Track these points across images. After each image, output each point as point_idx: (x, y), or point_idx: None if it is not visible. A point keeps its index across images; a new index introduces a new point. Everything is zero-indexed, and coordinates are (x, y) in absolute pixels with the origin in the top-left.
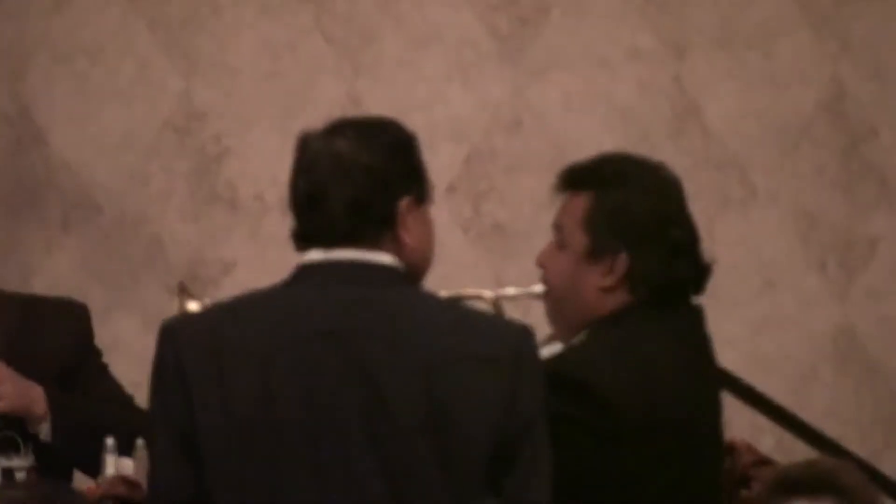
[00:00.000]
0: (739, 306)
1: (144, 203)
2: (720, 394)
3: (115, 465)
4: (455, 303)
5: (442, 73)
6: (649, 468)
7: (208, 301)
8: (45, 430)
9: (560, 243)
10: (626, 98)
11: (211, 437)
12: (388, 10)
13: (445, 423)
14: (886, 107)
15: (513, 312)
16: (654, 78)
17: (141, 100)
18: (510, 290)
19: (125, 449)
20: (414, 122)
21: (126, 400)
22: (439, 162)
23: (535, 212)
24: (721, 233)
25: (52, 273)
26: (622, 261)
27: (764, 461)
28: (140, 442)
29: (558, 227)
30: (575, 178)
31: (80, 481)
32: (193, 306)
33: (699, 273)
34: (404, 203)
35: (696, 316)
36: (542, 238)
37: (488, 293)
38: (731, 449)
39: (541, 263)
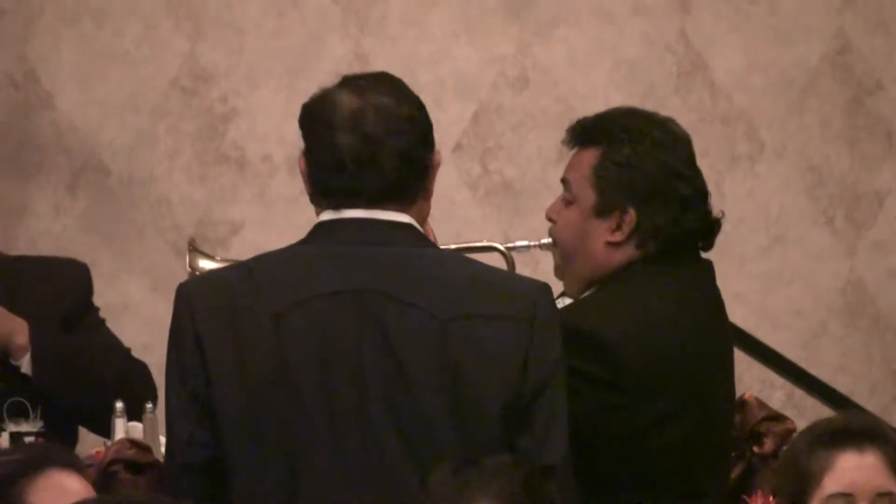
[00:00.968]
0: (748, 262)
1: (152, 164)
2: (731, 348)
3: (125, 428)
4: (473, 261)
5: (448, 30)
6: (658, 421)
7: (219, 258)
8: (26, 362)
9: (568, 198)
10: (632, 53)
11: (225, 396)
12: None
13: (459, 382)
14: (892, 60)
15: (523, 268)
16: (659, 33)
17: (147, 61)
18: (520, 243)
19: (111, 392)
20: (420, 79)
21: (119, 348)
22: (447, 120)
23: (542, 168)
24: (728, 188)
25: (60, 236)
26: (630, 216)
27: (775, 416)
28: (149, 405)
29: (566, 182)
30: (583, 134)
31: (89, 446)
32: (204, 263)
33: (708, 227)
34: (438, 157)
35: (706, 270)
36: (550, 195)
37: (500, 245)
38: (742, 404)
39: (550, 217)
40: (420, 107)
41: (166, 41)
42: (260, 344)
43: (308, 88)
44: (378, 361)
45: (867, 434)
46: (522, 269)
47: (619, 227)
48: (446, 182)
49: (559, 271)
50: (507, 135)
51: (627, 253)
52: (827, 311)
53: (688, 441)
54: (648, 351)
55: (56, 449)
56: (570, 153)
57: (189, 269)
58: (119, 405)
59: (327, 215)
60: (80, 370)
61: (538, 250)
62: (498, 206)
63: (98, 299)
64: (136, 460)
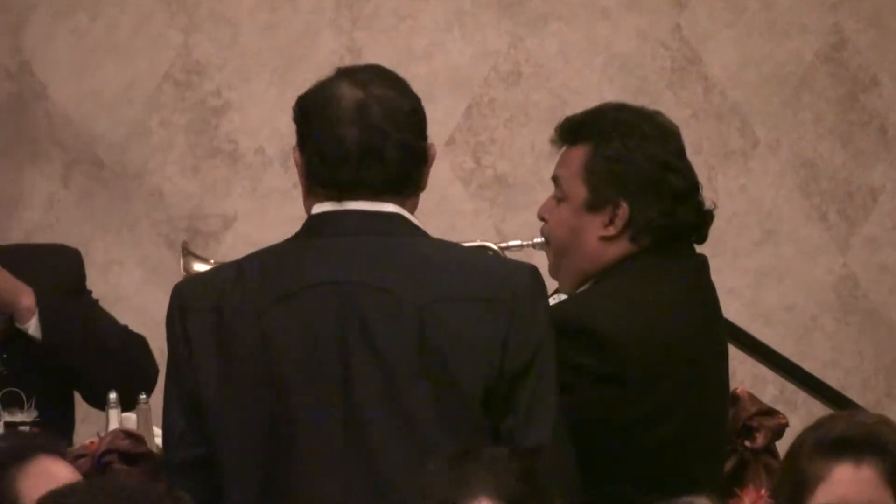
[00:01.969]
0: (741, 257)
1: (145, 157)
2: (725, 341)
3: (118, 419)
4: (461, 248)
5: (441, 24)
6: (654, 413)
7: (214, 262)
8: (33, 324)
9: (559, 196)
10: (626, 48)
11: (213, 395)
12: None
13: (440, 369)
14: (886, 55)
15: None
16: (653, 28)
17: (141, 53)
18: (513, 243)
19: (115, 358)
20: (413, 73)
21: (118, 323)
22: (439, 114)
23: (535, 163)
24: (722, 183)
25: (54, 227)
26: (623, 210)
27: (767, 411)
28: (143, 396)
29: (557, 179)
30: (571, 131)
31: (83, 436)
32: (199, 266)
33: (701, 220)
34: (434, 148)
35: (700, 263)
36: (543, 189)
37: (492, 245)
38: (734, 399)
39: (542, 216)
40: (418, 100)
41: (160, 34)
42: (245, 342)
43: (301, 82)
44: (360, 352)
45: (867, 445)
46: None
47: (612, 222)
48: (439, 176)
49: (553, 269)
50: (500, 129)
51: (621, 247)
52: (819, 307)
53: (685, 433)
54: (647, 344)
55: (44, 437)
56: (559, 151)
57: (184, 273)
58: (112, 396)
59: (327, 206)
60: (86, 334)
61: (532, 249)
62: (490, 201)
63: (91, 290)
64: (129, 451)
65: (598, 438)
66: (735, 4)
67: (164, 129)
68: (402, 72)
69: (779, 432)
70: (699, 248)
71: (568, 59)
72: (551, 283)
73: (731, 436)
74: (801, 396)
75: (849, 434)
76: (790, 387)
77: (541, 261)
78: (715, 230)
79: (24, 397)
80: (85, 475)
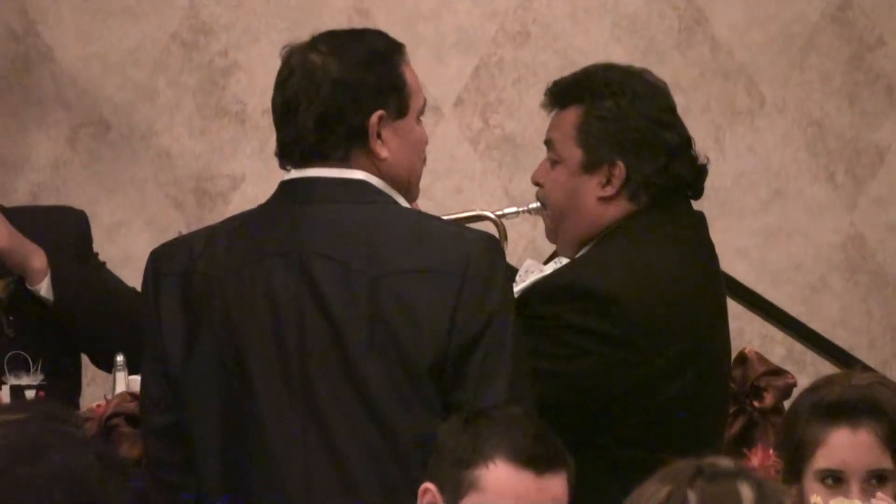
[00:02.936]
0: (748, 217)
1: (152, 118)
2: (725, 298)
3: (125, 381)
4: (420, 215)
5: None
6: (664, 372)
7: None
8: (45, 286)
9: (554, 158)
10: (632, 8)
11: (176, 361)
12: None
13: (390, 341)
14: (893, 15)
15: (522, 226)
16: None
17: (147, 15)
18: (509, 210)
19: (125, 320)
20: (421, 33)
21: (126, 284)
22: (447, 74)
23: (543, 123)
24: (729, 143)
25: (60, 189)
26: (619, 169)
27: (775, 371)
28: None
29: (550, 142)
30: (562, 94)
31: (89, 399)
32: None
33: (695, 174)
34: (375, 117)
35: (699, 220)
36: None
37: (489, 213)
38: (742, 359)
39: (536, 181)
40: (366, 68)
41: None
42: (208, 310)
43: None
44: (316, 323)
45: (864, 408)
46: (521, 228)
47: (609, 182)
48: (447, 136)
49: (551, 233)
50: (508, 89)
51: (620, 207)
52: (827, 266)
53: (692, 392)
54: (653, 304)
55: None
56: (550, 114)
57: None
58: (119, 358)
59: (293, 173)
60: (98, 295)
61: (529, 215)
62: (499, 161)
63: (98, 252)
64: (136, 413)
65: (610, 400)
66: None
67: (172, 91)
68: (409, 32)
69: (787, 392)
70: (708, 207)
71: (576, 19)
72: (548, 248)
73: (739, 396)
74: (810, 356)
75: (845, 398)
76: (798, 346)
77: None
78: (722, 190)
79: (30, 360)
80: (92, 438)
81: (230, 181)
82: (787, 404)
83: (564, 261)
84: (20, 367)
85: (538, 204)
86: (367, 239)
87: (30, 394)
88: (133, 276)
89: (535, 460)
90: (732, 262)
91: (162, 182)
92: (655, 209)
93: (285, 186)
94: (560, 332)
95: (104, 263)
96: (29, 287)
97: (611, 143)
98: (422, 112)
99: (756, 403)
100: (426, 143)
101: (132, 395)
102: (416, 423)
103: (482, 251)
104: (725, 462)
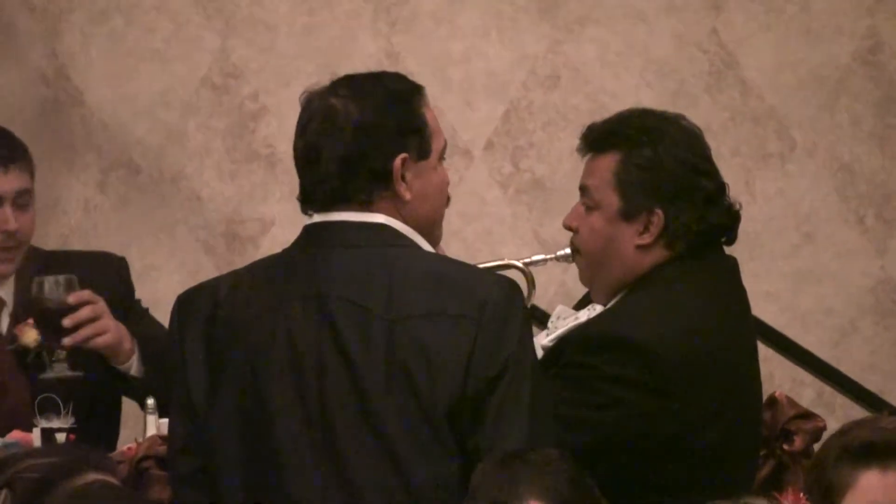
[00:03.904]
0: (778, 260)
1: (182, 162)
2: (756, 344)
3: (157, 424)
4: (439, 259)
5: (479, 27)
6: (698, 421)
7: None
8: (134, 365)
9: (590, 205)
10: (663, 52)
11: (201, 406)
12: None
13: (406, 385)
14: None
15: (552, 270)
16: (690, 31)
17: (177, 58)
18: (537, 258)
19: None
20: (451, 77)
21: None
22: (477, 118)
23: (573, 167)
24: (759, 187)
25: (91, 232)
26: (658, 217)
27: (805, 414)
28: None
29: (586, 189)
30: (598, 139)
31: (122, 442)
32: None
33: (731, 221)
34: (399, 160)
35: (731, 267)
36: None
37: (517, 262)
38: (773, 403)
39: (570, 226)
40: (382, 109)
41: (197, 38)
42: (231, 353)
43: None
44: (335, 367)
45: (892, 450)
46: (552, 272)
47: (647, 229)
48: (477, 180)
49: (586, 279)
50: (538, 133)
51: (656, 254)
52: (857, 310)
53: (727, 438)
54: (689, 354)
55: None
56: (583, 159)
57: None
58: (150, 401)
59: (316, 217)
60: (167, 361)
61: (559, 262)
62: (528, 205)
63: (139, 298)
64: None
65: (644, 449)
66: (771, 7)
67: (202, 134)
68: (439, 76)
69: (817, 436)
70: (739, 251)
71: (605, 62)
72: (578, 292)
73: (769, 440)
74: (839, 400)
75: (874, 440)
76: (828, 390)
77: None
78: (752, 233)
79: (61, 403)
80: (123, 481)
81: (260, 225)
82: (816, 447)
83: (598, 307)
84: (51, 409)
85: (567, 251)
86: (386, 283)
87: (60, 437)
88: (162, 319)
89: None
90: (762, 306)
91: (192, 226)
92: (689, 256)
93: (308, 230)
94: (596, 382)
95: (147, 310)
96: (116, 367)
97: (649, 190)
98: (443, 153)
99: (786, 447)
100: (448, 183)
101: (163, 438)
102: (433, 466)
103: (499, 295)
104: (761, 502)
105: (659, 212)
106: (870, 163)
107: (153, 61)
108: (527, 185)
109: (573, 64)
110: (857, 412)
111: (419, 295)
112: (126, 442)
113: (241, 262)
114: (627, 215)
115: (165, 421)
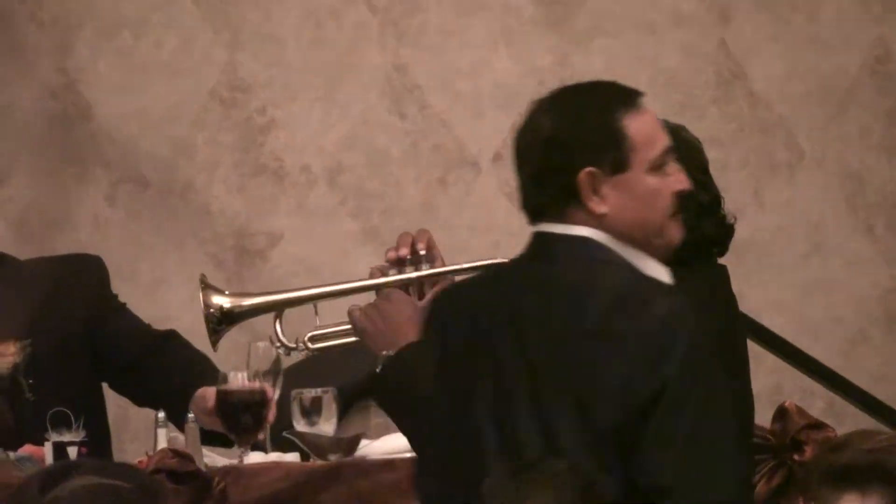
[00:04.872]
0: (787, 270)
1: (191, 175)
2: (745, 348)
3: (167, 438)
4: (628, 278)
5: (487, 40)
6: None
7: (228, 292)
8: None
9: None
10: (671, 63)
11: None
12: None
13: (574, 406)
14: None
15: None
16: (698, 42)
17: (186, 72)
18: None
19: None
20: (459, 90)
21: (154, 332)
22: (486, 130)
23: None
24: (768, 197)
25: (99, 246)
26: None
27: (815, 424)
28: (191, 416)
29: None
30: None
31: (132, 455)
32: (217, 299)
33: (722, 234)
34: (584, 174)
35: (722, 275)
36: None
37: None
38: (783, 413)
39: None
40: (572, 123)
41: (205, 52)
42: (451, 352)
43: (346, 99)
44: (514, 374)
45: (873, 474)
46: None
47: None
48: (485, 192)
49: None
50: None
51: None
52: (867, 320)
53: None
54: None
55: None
56: None
57: (203, 307)
58: (161, 415)
59: (531, 228)
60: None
61: None
62: None
63: (137, 311)
64: (177, 469)
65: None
66: (779, 18)
67: (210, 148)
68: (447, 88)
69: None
70: (748, 261)
71: (614, 74)
72: None
73: (779, 449)
74: (850, 410)
75: (854, 463)
76: (838, 400)
77: None
78: (761, 243)
79: (72, 417)
80: None
81: (269, 238)
82: None
83: None
84: (62, 423)
85: None
86: (567, 300)
87: (72, 450)
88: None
89: None
90: (771, 316)
91: (201, 239)
92: (678, 264)
93: (532, 241)
94: None
95: (125, 304)
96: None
97: None
98: (658, 162)
99: (796, 457)
100: (668, 192)
101: (173, 452)
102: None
103: (668, 316)
104: None
105: None
106: (879, 172)
107: (162, 75)
108: None
109: (581, 76)
110: (868, 422)
111: (593, 313)
112: (136, 455)
113: (250, 277)
114: None
115: (175, 435)
